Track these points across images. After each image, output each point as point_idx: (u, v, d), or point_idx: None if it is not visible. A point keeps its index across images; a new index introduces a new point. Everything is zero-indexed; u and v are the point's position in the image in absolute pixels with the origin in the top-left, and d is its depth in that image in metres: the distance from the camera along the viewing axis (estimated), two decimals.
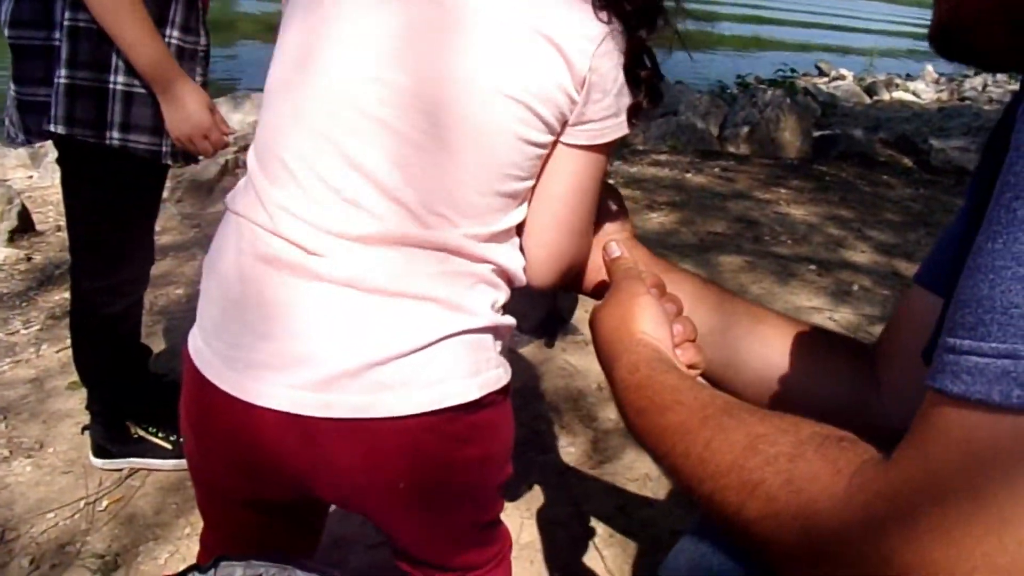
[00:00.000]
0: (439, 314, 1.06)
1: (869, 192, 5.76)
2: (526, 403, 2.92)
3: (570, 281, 1.24)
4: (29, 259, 3.81)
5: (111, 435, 2.45)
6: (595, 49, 1.04)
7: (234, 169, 5.44)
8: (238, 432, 1.09)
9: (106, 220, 2.14)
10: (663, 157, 6.32)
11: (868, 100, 10.41)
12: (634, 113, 1.11)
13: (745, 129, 6.63)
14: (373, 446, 1.06)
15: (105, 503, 2.37)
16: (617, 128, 1.10)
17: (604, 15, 1.05)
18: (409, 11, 1.03)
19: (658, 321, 0.95)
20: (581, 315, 3.43)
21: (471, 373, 1.09)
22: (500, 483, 1.28)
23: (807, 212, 5.17)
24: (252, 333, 1.06)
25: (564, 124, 1.08)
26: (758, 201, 5.30)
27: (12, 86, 1.98)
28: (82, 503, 2.36)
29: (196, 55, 2.04)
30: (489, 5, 1.03)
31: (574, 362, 3.20)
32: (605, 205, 1.26)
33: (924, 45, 0.76)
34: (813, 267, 4.20)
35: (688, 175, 5.82)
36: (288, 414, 1.03)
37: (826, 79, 12.68)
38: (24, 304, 3.46)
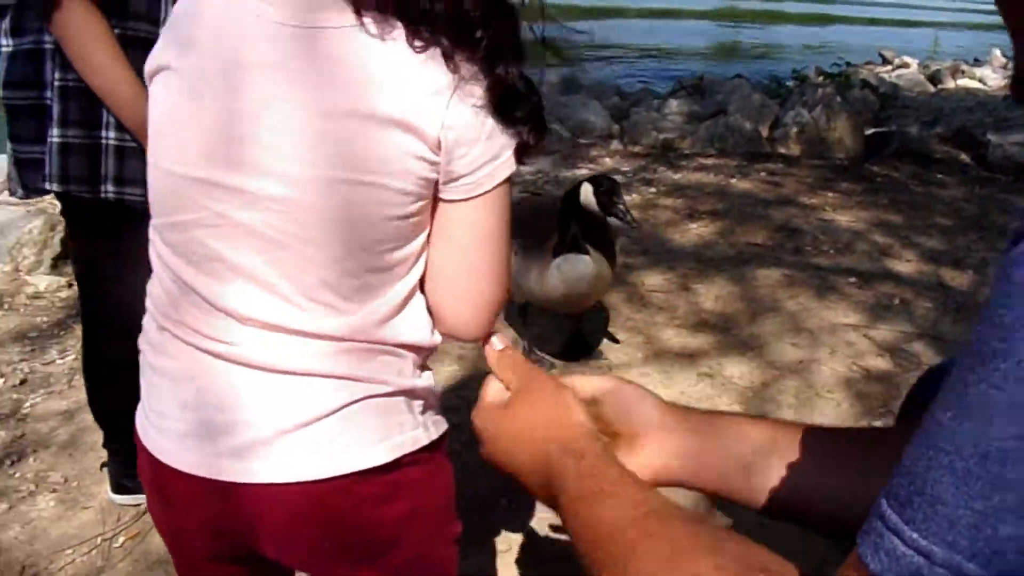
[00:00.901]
0: (341, 386, 1.08)
1: (921, 193, 5.61)
2: None
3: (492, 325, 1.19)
4: (70, 285, 3.90)
5: (129, 471, 2.50)
6: (445, 105, 0.98)
7: None
8: (180, 495, 1.15)
9: (110, 268, 2.18)
10: (709, 161, 6.23)
11: (932, 89, 10.12)
12: (521, 151, 1.06)
13: (795, 129, 6.51)
14: (292, 509, 1.10)
15: (122, 539, 2.43)
16: (501, 169, 1.05)
17: (450, 64, 0.98)
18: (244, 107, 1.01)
19: (588, 413, 0.94)
20: (607, 338, 3.43)
21: (380, 439, 1.10)
22: (447, 538, 1.29)
23: (853, 218, 5.05)
24: (181, 406, 1.12)
25: (436, 184, 1.04)
26: (803, 207, 5.20)
27: (9, 144, 2.03)
28: (99, 539, 2.42)
29: None
30: (320, 93, 0.98)
31: None
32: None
33: (992, 24, 0.68)
34: (854, 279, 4.11)
35: (733, 180, 5.73)
36: (215, 480, 1.09)
37: (889, 67, 12.37)
38: (62, 333, 3.55)
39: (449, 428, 1.26)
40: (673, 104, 7.49)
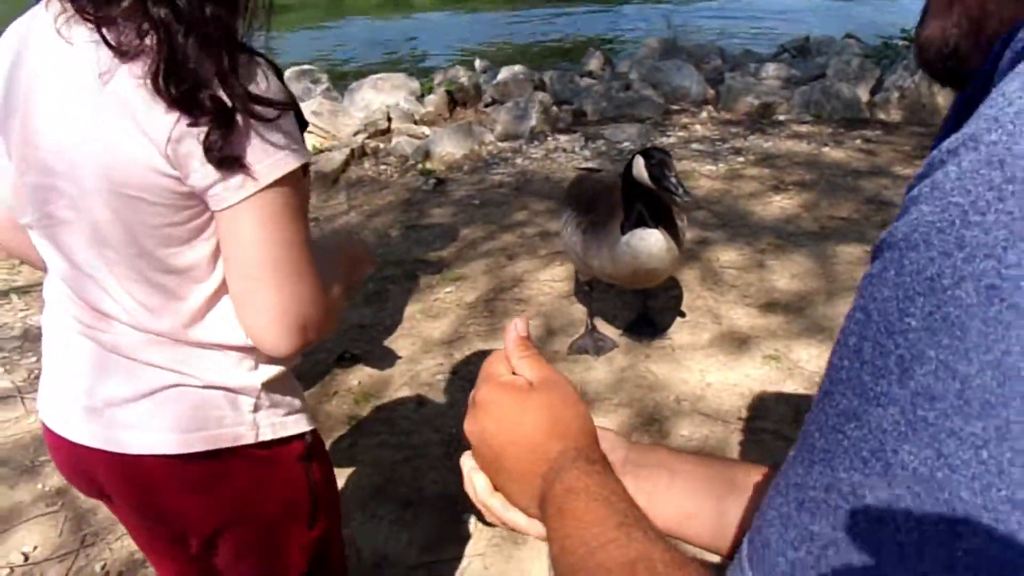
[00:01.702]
0: (160, 375, 1.17)
1: None
2: (596, 416, 2.85)
3: (311, 341, 1.17)
4: None
5: None
6: (174, 120, 0.99)
7: (359, 158, 5.53)
8: (50, 443, 1.32)
9: None
10: (803, 128, 6.00)
11: None
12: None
13: (896, 95, 6.21)
14: (113, 473, 1.23)
15: None
16: (268, 171, 1.04)
17: (185, 80, 0.99)
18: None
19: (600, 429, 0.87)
20: (673, 316, 3.34)
21: (192, 428, 1.17)
22: (282, 545, 1.33)
23: None
24: (53, 373, 1.28)
25: (192, 195, 1.04)
26: (896, 178, 4.96)
27: None
28: None
29: None
30: (78, 109, 1.03)
31: (656, 371, 3.10)
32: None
33: None
34: None
35: (826, 149, 5.51)
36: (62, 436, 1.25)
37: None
38: None
39: (310, 432, 1.29)
40: (771, 68, 7.23)
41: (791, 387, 3.02)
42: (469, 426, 0.84)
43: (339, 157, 5.30)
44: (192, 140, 1.00)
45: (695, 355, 3.20)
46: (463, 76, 6.97)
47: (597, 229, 2.79)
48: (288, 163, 1.06)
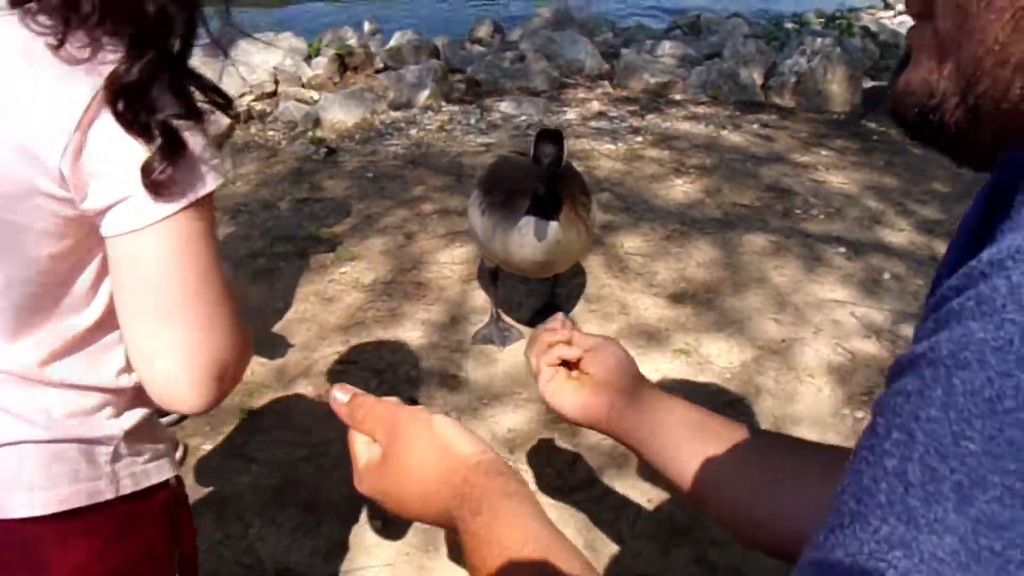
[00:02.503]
0: (5, 422, 0.98)
1: (918, 155, 5.37)
2: (503, 411, 2.72)
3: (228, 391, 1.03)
4: None
5: None
6: (72, 128, 0.84)
7: (246, 122, 5.23)
8: None
9: None
10: (700, 109, 5.96)
11: None
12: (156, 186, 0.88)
13: (792, 79, 6.24)
14: None
15: None
16: (190, 189, 0.89)
17: (92, 78, 0.84)
18: None
19: (466, 435, 0.85)
20: (580, 306, 3.23)
21: (42, 487, 0.99)
22: None
23: (846, 179, 4.82)
24: None
25: (82, 220, 0.89)
26: (794, 165, 4.96)
27: None
28: None
29: None
30: None
31: None
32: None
33: None
34: (843, 249, 3.90)
35: (724, 132, 5.48)
36: None
37: (891, 13, 12.02)
38: None
39: (172, 480, 1.14)
40: (666, 46, 7.16)
41: (703, 382, 2.95)
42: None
43: (223, 120, 4.99)
44: (97, 152, 0.85)
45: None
46: (351, 37, 6.66)
47: (496, 212, 2.63)
48: (212, 181, 0.91)
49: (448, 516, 0.80)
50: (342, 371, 2.86)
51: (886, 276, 3.69)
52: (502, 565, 0.71)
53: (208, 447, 2.50)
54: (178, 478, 1.19)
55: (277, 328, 3.09)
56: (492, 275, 3.09)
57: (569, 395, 1.09)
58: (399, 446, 0.85)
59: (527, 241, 2.49)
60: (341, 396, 0.91)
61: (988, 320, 0.40)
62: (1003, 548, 0.37)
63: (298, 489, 2.36)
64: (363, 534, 2.23)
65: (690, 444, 1.04)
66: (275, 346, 2.97)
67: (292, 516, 2.28)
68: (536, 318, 3.20)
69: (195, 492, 2.32)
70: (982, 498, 0.38)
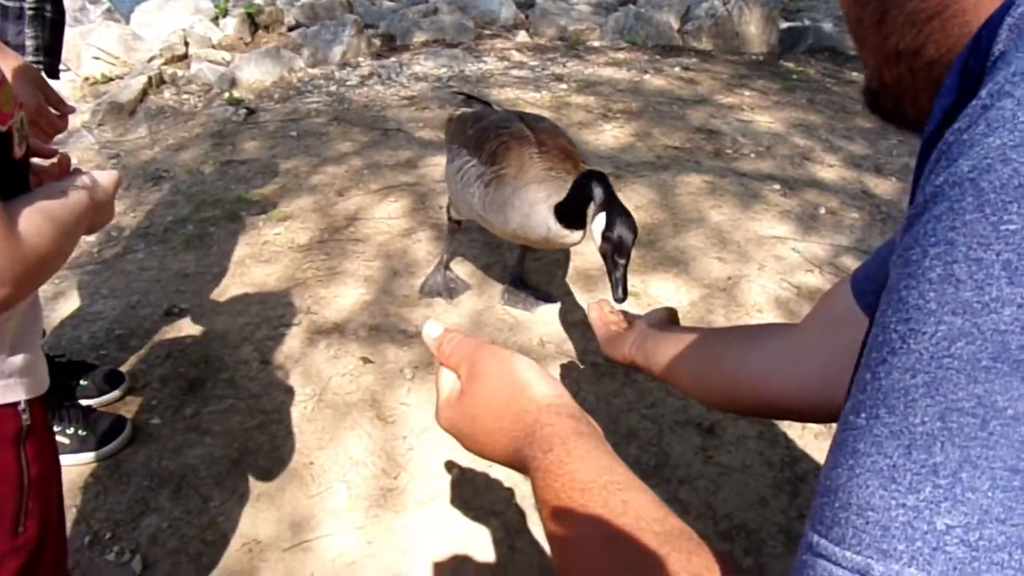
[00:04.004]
0: None
1: (838, 93, 5.44)
2: None
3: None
4: None
5: None
6: None
7: (158, 86, 5.02)
8: None
9: None
10: (621, 55, 5.93)
11: None
12: None
13: (708, 23, 6.24)
14: None
15: None
16: None
17: None
18: None
19: (545, 377, 0.85)
20: (528, 255, 3.17)
21: None
22: None
23: (772, 118, 4.85)
24: None
25: None
26: (720, 107, 4.97)
27: None
28: None
29: (23, 13, 1.69)
30: None
31: (515, 312, 2.93)
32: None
33: None
34: (778, 186, 3.92)
35: (647, 76, 5.46)
36: None
37: None
38: None
39: (27, 403, 1.08)
40: None
41: None
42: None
43: (136, 85, 4.78)
44: None
45: (553, 293, 3.05)
46: None
47: (505, 187, 2.48)
48: None
49: (516, 455, 0.81)
50: (286, 334, 2.76)
51: (822, 211, 3.72)
52: (574, 497, 0.71)
53: (156, 422, 2.39)
54: (33, 403, 1.11)
55: (215, 295, 2.97)
56: (454, 228, 3.00)
57: (612, 343, 1.65)
58: (477, 383, 0.86)
59: (559, 235, 2.38)
60: (432, 331, 0.93)
61: (1002, 130, 0.43)
62: None
63: (255, 458, 2.27)
64: (328, 499, 2.16)
65: (674, 348, 1.43)
66: (215, 312, 2.86)
67: (252, 487, 2.19)
68: (509, 295, 3.05)
69: (148, 470, 2.22)
70: None
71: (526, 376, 0.85)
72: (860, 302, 1.14)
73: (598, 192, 2.18)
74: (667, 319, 1.68)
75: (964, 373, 0.43)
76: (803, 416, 1.40)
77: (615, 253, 2.07)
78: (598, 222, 2.13)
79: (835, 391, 1.20)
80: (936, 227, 0.45)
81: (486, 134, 2.61)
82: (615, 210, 2.11)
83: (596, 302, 1.87)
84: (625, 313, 1.83)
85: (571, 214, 2.32)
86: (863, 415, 0.47)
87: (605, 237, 2.10)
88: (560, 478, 0.73)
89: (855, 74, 5.87)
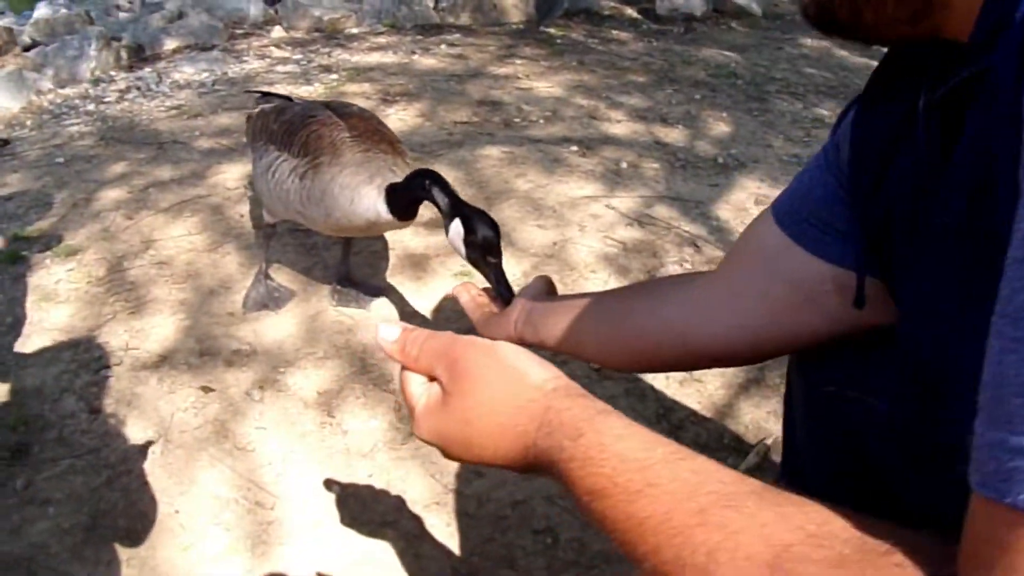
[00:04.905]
0: None
1: (604, 51, 5.54)
2: (305, 375, 2.49)
3: None
4: None
5: None
6: None
7: None
8: None
9: None
10: (383, 39, 5.80)
11: None
12: None
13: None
14: None
15: None
16: None
17: None
18: None
19: (537, 360, 0.79)
20: (355, 261, 3.00)
21: None
22: None
23: (550, 83, 4.87)
24: None
25: None
26: (496, 78, 4.95)
27: None
28: None
29: None
30: None
31: (349, 311, 2.78)
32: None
33: None
34: (575, 148, 3.93)
35: (415, 56, 5.36)
36: None
37: None
38: None
39: None
40: None
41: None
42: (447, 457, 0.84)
43: None
44: None
45: (383, 285, 2.92)
46: None
47: (323, 175, 2.31)
48: None
49: (528, 451, 0.74)
50: (109, 376, 2.48)
51: (623, 165, 3.76)
52: (635, 479, 0.65)
53: None
54: None
55: (17, 347, 2.62)
56: (269, 233, 2.79)
57: (491, 325, 1.50)
58: (464, 382, 0.77)
59: (383, 214, 2.22)
60: (388, 334, 0.83)
61: None
62: None
63: (112, 519, 2.00)
64: (205, 546, 1.94)
65: (566, 317, 1.34)
66: (22, 368, 2.53)
67: (118, 552, 1.92)
68: (339, 295, 2.88)
69: None
70: None
71: (519, 363, 0.78)
72: (787, 232, 1.10)
73: (443, 199, 2.02)
74: (545, 290, 1.59)
75: None
76: (730, 361, 1.37)
77: (486, 255, 1.92)
78: (455, 231, 1.96)
79: (773, 327, 1.16)
80: None
81: (293, 126, 2.45)
82: (467, 212, 1.96)
83: (461, 285, 1.72)
84: (485, 290, 1.72)
85: (403, 204, 2.20)
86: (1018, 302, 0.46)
87: (469, 243, 1.92)
88: (607, 462, 0.67)
89: (615, 32, 6.02)
